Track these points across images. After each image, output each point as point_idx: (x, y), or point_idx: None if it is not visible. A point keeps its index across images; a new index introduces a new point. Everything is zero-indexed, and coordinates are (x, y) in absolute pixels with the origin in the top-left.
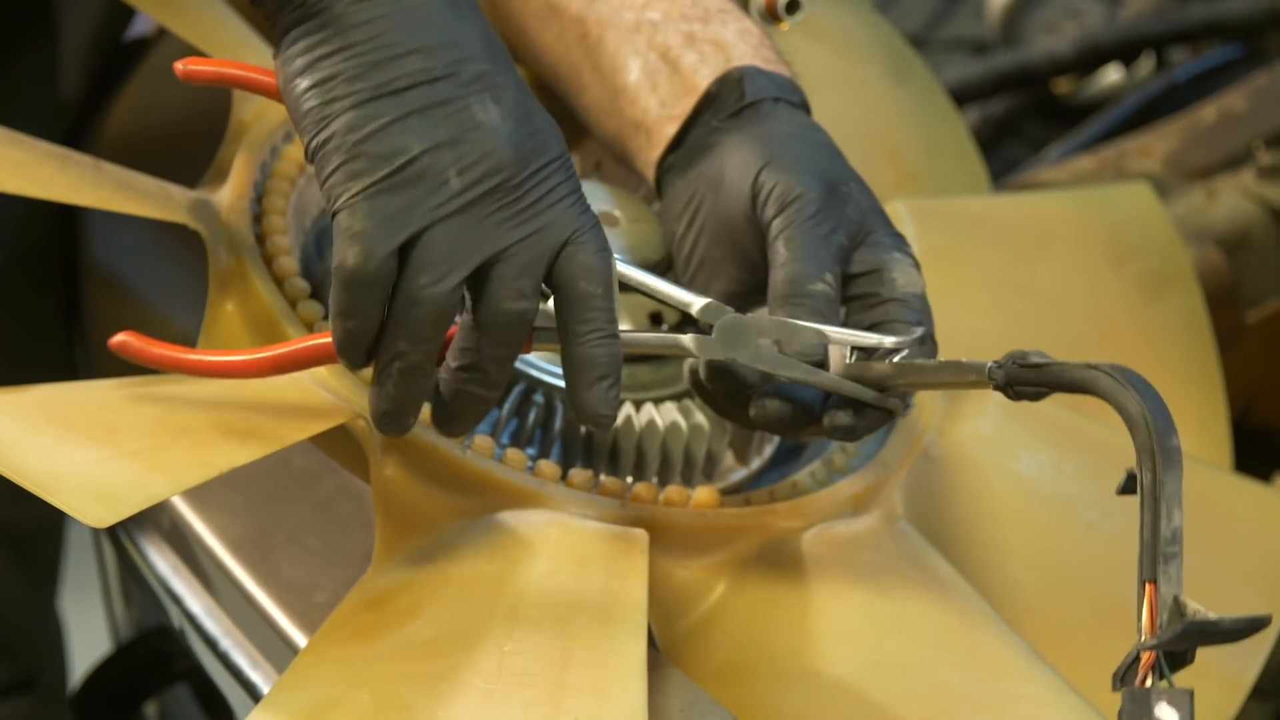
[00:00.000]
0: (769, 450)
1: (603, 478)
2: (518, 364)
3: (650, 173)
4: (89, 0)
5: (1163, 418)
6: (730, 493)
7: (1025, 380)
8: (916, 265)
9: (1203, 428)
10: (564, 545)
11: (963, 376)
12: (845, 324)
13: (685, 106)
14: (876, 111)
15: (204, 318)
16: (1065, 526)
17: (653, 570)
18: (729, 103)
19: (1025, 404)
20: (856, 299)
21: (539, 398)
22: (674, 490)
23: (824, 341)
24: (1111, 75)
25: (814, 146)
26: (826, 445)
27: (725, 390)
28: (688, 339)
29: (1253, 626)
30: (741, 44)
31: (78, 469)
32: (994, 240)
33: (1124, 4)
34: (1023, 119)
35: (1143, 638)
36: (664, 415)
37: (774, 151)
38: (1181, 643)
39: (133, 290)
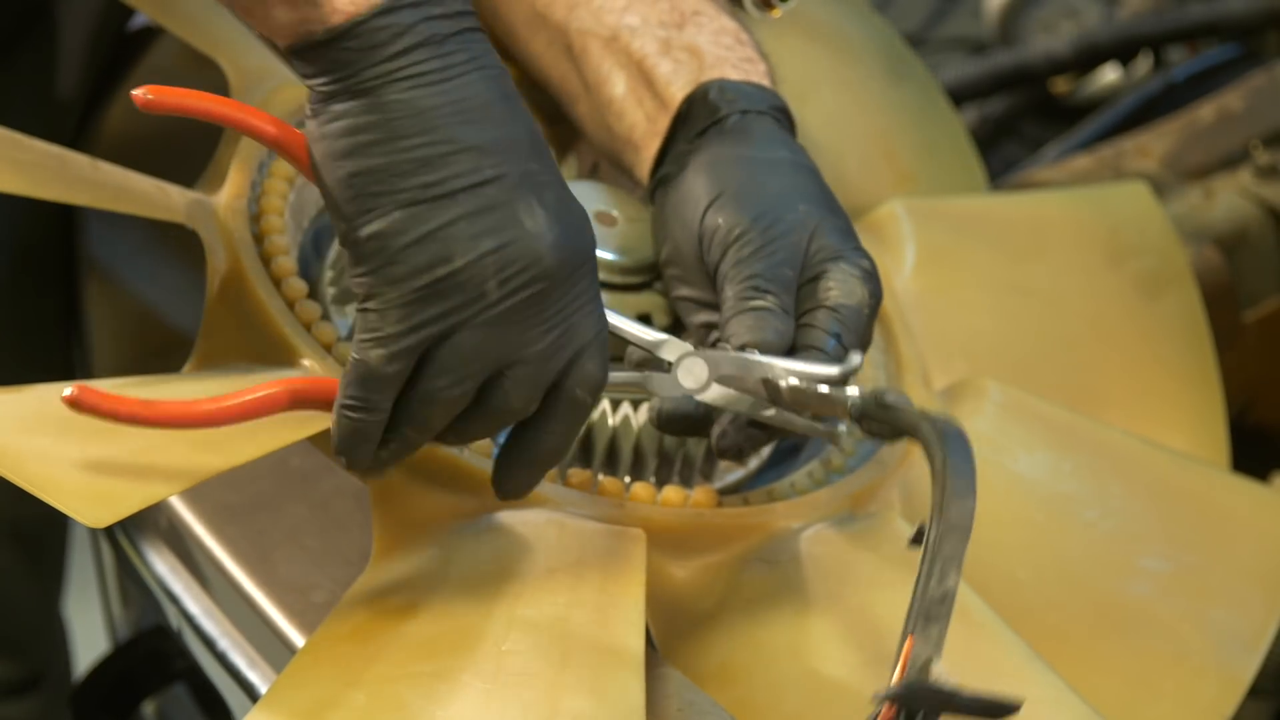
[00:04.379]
0: (767, 450)
1: (601, 478)
2: None
3: (645, 185)
4: (87, 0)
5: (963, 478)
6: (728, 493)
7: (874, 416)
8: (866, 277)
9: (1200, 427)
10: (562, 545)
11: (832, 405)
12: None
13: (664, 123)
14: (874, 111)
15: (201, 318)
16: (1063, 525)
17: (651, 570)
18: (698, 121)
19: (1023, 404)
20: (797, 308)
21: None
22: (672, 490)
23: (774, 375)
24: (1109, 75)
25: (768, 170)
26: (824, 445)
27: (679, 431)
28: (649, 379)
29: (995, 709)
30: (715, 48)
31: (76, 469)
32: (991, 240)
33: (1122, 3)
34: (1020, 118)
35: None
36: None
37: (725, 183)
38: (913, 703)
39: (131, 290)
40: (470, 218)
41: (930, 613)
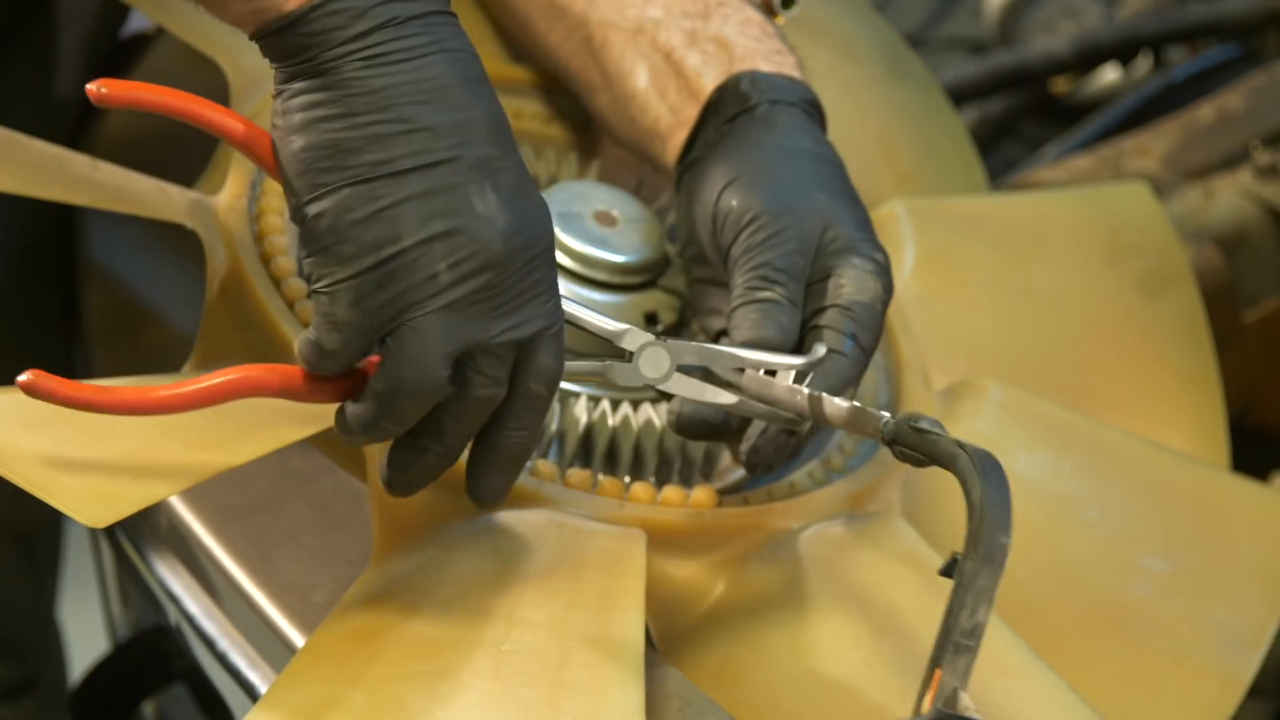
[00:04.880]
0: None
1: (601, 478)
2: None
3: (671, 175)
4: (84, 0)
5: (1000, 514)
6: (728, 493)
7: (907, 442)
8: (879, 271)
9: (1200, 427)
10: (562, 545)
11: (862, 424)
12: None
13: (692, 112)
14: (874, 111)
15: (201, 318)
16: (1063, 526)
17: (650, 570)
18: (729, 109)
19: (1023, 404)
20: (809, 305)
21: None
22: (672, 490)
23: (738, 364)
24: (1109, 75)
25: (787, 157)
26: (824, 445)
27: (698, 436)
28: (610, 369)
29: None
30: (744, 40)
31: (75, 469)
32: (992, 240)
33: (1122, 3)
34: (1021, 118)
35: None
36: (661, 415)
37: (742, 167)
38: None
39: (131, 290)
40: (420, 199)
41: (959, 645)
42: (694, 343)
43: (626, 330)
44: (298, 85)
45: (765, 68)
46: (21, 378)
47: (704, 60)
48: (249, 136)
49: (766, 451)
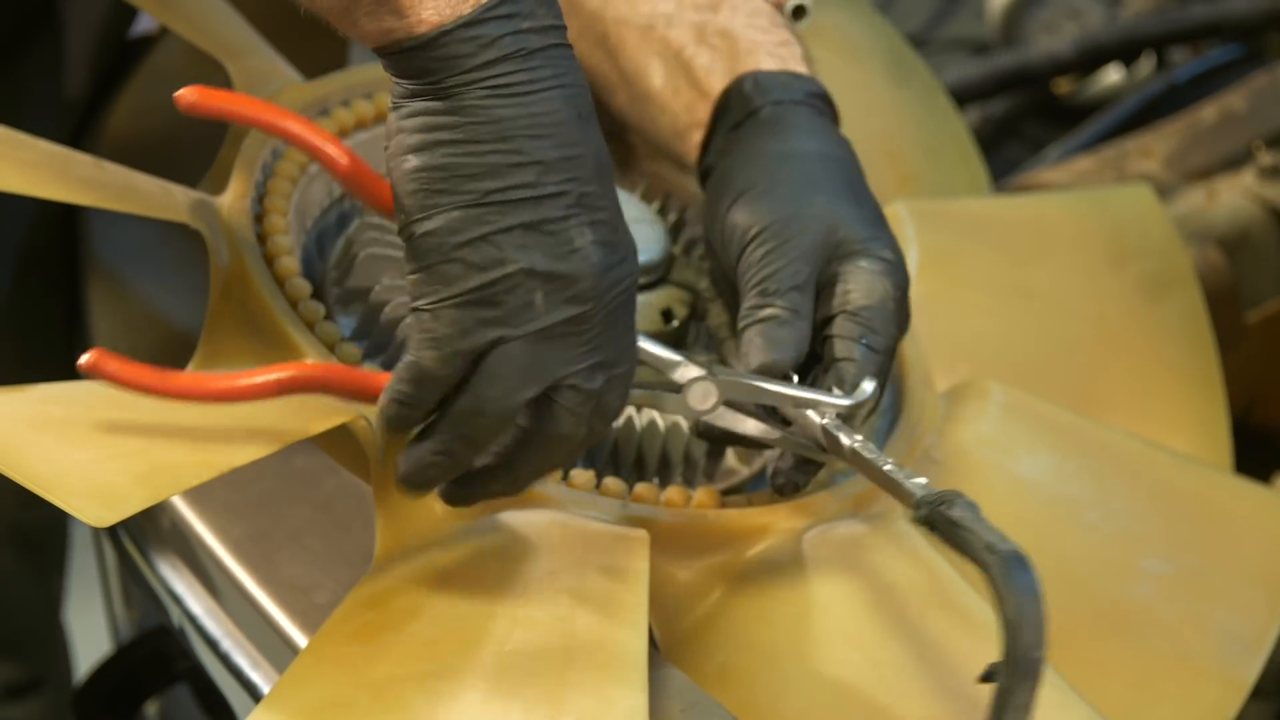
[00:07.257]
0: (772, 451)
1: (604, 478)
2: None
3: (695, 175)
4: (93, 1)
5: (1033, 627)
6: (731, 493)
7: (939, 526)
8: (887, 269)
9: (1203, 428)
10: (565, 546)
11: (896, 490)
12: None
13: (704, 113)
14: (877, 112)
15: (205, 318)
16: (1065, 528)
17: (654, 571)
18: (734, 114)
19: (1026, 406)
20: (820, 312)
21: None
22: (675, 491)
23: (786, 403)
24: (1112, 75)
25: (789, 164)
26: None
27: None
28: (659, 399)
29: None
30: (751, 32)
31: (79, 468)
32: (994, 241)
33: (1124, 4)
34: (1023, 119)
35: None
36: (665, 416)
37: (746, 181)
38: None
39: (134, 290)
40: (525, 229)
41: None
42: (743, 379)
43: (680, 362)
44: (419, 104)
45: (769, 64)
46: (83, 359)
47: (712, 57)
48: (347, 167)
49: (792, 476)
